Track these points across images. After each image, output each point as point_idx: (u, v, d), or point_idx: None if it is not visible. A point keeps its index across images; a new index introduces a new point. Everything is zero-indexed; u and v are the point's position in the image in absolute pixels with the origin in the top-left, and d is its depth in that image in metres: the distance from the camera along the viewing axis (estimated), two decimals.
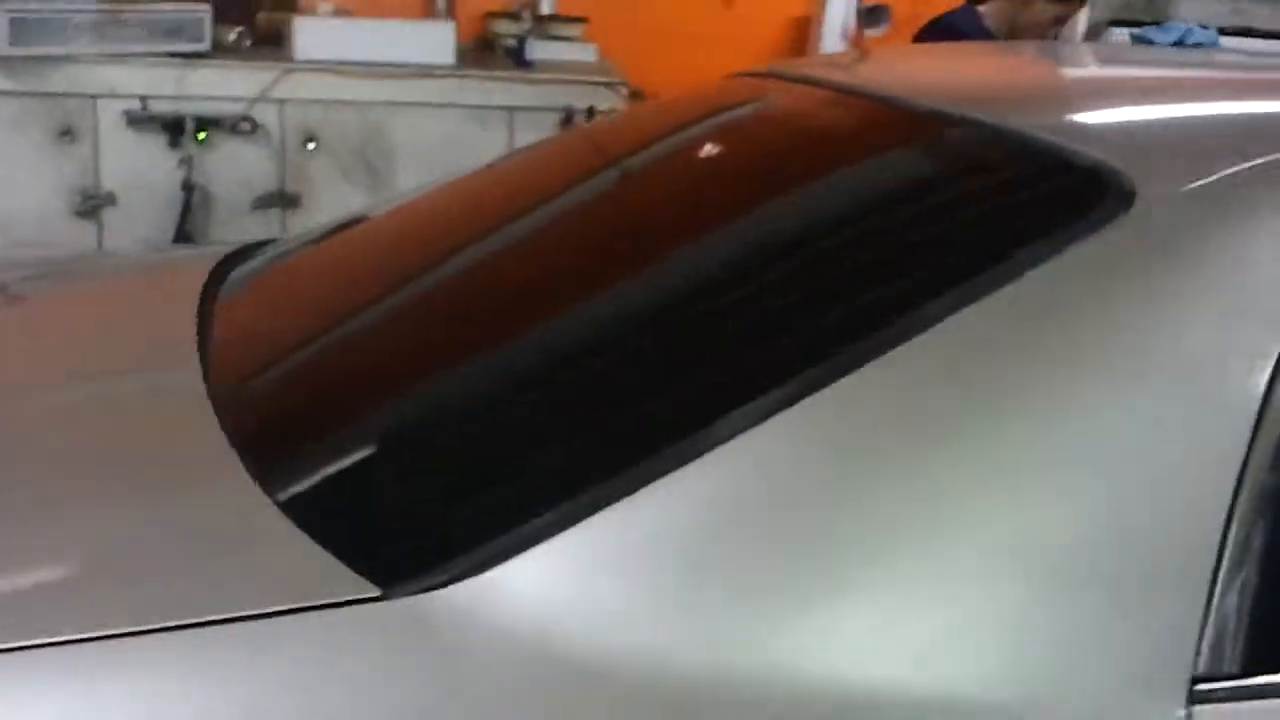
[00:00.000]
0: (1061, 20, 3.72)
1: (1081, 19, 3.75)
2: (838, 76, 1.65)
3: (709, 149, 1.61)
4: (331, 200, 3.74)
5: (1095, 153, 1.09)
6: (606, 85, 3.90)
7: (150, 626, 0.88)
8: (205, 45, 3.57)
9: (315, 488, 1.09)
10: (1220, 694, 0.87)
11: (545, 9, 4.34)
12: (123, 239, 3.54)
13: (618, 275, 1.27)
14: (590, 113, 3.87)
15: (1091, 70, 1.68)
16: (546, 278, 1.33)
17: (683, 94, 1.83)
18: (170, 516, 1.05)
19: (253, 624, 0.88)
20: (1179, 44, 1.60)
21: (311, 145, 3.64)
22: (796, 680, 0.84)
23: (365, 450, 1.16)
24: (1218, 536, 0.87)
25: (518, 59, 4.00)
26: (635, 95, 3.99)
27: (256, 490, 1.04)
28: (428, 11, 4.28)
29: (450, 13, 4.24)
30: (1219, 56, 2.33)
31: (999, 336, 0.95)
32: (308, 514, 1.01)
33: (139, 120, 3.49)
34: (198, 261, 1.90)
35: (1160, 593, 0.88)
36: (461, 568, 0.90)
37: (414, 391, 1.21)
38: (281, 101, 3.58)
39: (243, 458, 1.09)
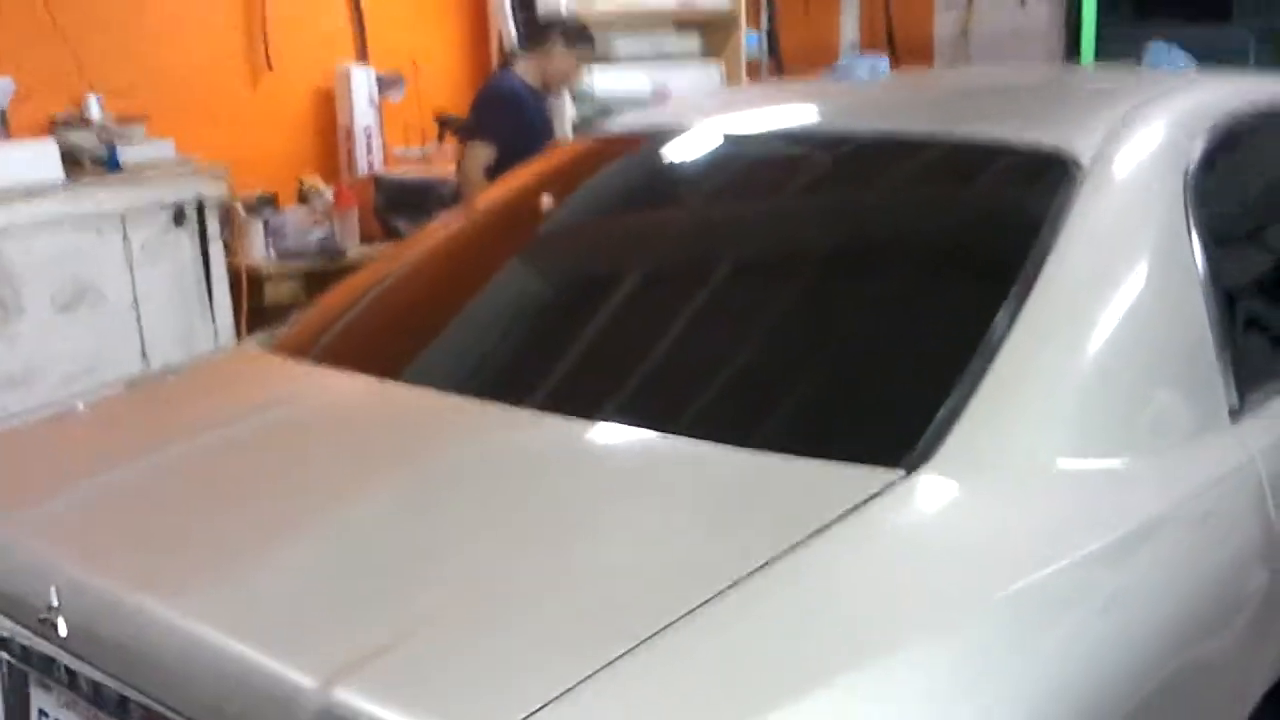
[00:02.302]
0: (581, 63, 4.61)
1: None
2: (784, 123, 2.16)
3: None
4: None
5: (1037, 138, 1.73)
6: (211, 176, 4.14)
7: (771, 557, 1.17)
8: None
9: (792, 418, 1.49)
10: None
11: (94, 113, 4.38)
12: None
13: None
14: (200, 208, 4.09)
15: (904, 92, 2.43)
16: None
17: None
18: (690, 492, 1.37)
19: (836, 528, 1.20)
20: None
21: None
22: None
23: (826, 373, 1.57)
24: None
25: (109, 165, 4.09)
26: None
27: (710, 445, 1.41)
28: None
29: (5, 130, 4.17)
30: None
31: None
32: (779, 439, 1.40)
33: None
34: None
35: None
36: (931, 438, 1.33)
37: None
38: None
39: (669, 433, 1.46)
